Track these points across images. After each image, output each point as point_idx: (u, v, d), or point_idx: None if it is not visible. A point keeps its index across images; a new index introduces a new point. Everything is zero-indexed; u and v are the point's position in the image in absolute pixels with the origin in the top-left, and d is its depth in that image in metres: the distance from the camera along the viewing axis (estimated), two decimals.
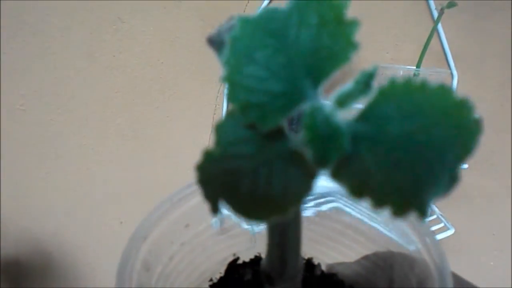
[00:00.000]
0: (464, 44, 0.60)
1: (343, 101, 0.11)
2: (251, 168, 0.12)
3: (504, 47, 0.60)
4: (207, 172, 0.12)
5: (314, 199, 0.28)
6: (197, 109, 0.68)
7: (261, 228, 0.29)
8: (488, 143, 0.64)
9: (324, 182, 0.27)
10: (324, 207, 0.28)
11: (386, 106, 0.11)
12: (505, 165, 0.65)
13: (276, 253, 0.17)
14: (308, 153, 0.11)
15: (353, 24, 0.11)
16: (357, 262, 0.25)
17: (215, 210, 0.12)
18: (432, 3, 0.57)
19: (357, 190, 0.10)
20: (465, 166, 0.51)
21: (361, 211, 0.28)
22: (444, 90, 0.11)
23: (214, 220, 0.27)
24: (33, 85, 0.67)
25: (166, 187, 0.69)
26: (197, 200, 0.25)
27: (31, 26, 0.64)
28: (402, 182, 0.10)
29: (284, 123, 0.12)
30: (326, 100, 0.12)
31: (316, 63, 0.12)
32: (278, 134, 0.12)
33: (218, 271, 0.28)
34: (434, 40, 0.59)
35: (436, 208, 0.56)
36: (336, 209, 0.27)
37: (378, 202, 0.10)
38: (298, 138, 0.12)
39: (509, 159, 0.65)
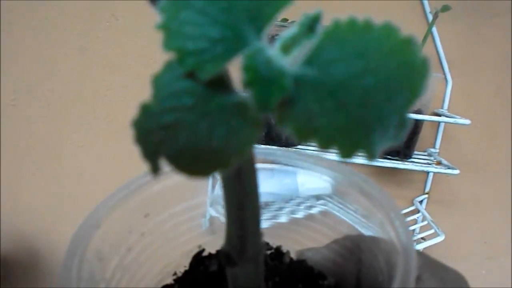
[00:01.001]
0: (459, 50, 0.61)
1: (287, 46, 0.11)
2: (190, 121, 0.11)
3: (499, 53, 0.61)
4: (144, 127, 0.11)
5: (304, 201, 0.27)
6: None
7: None
8: (480, 149, 0.64)
9: (314, 185, 0.27)
10: (314, 210, 0.27)
11: (330, 49, 0.10)
12: (498, 172, 0.65)
13: (235, 230, 0.16)
14: (250, 98, 0.10)
15: None
16: (327, 246, 0.25)
17: (155, 169, 0.11)
18: (427, 7, 0.58)
19: (301, 133, 0.10)
20: (456, 171, 0.51)
21: (351, 216, 0.28)
22: (388, 29, 0.10)
23: (203, 220, 0.26)
24: (24, 81, 0.66)
25: None
26: (157, 188, 0.24)
27: (24, 22, 0.63)
28: (347, 124, 0.10)
29: (226, 75, 0.12)
30: (269, 47, 0.11)
31: (257, 7, 0.11)
32: (219, 85, 0.11)
33: (183, 264, 0.26)
34: (429, 45, 0.59)
35: (427, 214, 0.56)
36: (326, 212, 0.26)
37: (324, 144, 0.10)
38: (242, 90, 0.11)
39: (502, 166, 0.65)
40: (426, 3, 0.58)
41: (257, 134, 0.10)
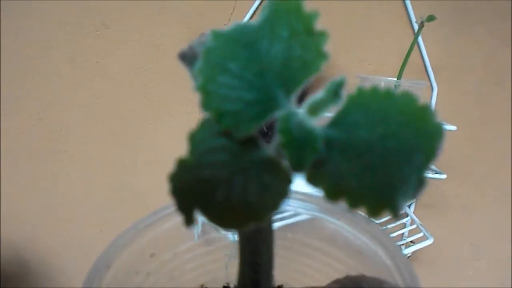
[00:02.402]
0: (444, 57, 0.62)
1: (314, 109, 0.12)
2: (226, 176, 0.12)
3: (482, 60, 0.63)
4: (181, 181, 0.12)
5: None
6: (181, 116, 0.66)
7: None
8: (466, 154, 0.66)
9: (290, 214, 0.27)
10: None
11: (355, 113, 0.12)
12: (482, 175, 0.66)
13: (248, 273, 0.17)
14: (283, 158, 0.11)
15: (323, 35, 0.12)
16: (327, 287, 0.25)
17: (189, 221, 0.12)
18: (413, 16, 0.60)
19: (332, 192, 0.11)
20: (444, 176, 0.53)
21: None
22: (408, 98, 0.11)
23: (195, 230, 0.26)
24: (12, 89, 0.65)
25: (148, 196, 0.67)
26: (163, 228, 0.24)
27: (12, 30, 0.63)
28: (374, 184, 0.11)
29: (257, 133, 0.12)
30: (299, 109, 0.12)
31: (288, 73, 0.12)
32: (252, 143, 0.12)
33: None
34: (415, 53, 0.61)
35: (416, 218, 0.57)
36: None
37: (353, 204, 0.10)
38: (272, 147, 0.12)
39: (486, 169, 0.66)
40: (411, 12, 0.61)
41: (288, 189, 0.11)
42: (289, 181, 0.11)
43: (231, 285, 0.27)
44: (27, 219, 0.71)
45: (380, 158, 0.11)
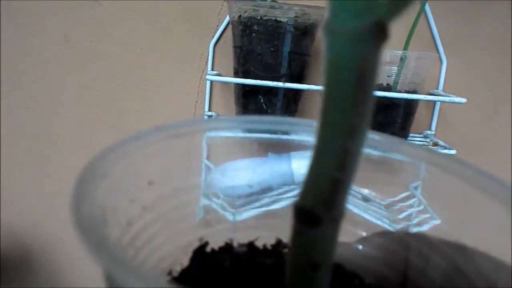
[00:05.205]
0: (454, 28, 0.59)
1: None
2: None
3: (494, 32, 0.59)
4: None
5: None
6: (179, 96, 0.64)
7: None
8: (477, 131, 0.63)
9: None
10: None
11: None
12: (495, 153, 0.64)
13: (330, 171, 0.12)
14: None
15: None
16: (363, 239, 0.21)
17: None
18: None
19: None
20: (453, 151, 0.50)
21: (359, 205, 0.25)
22: None
23: (197, 207, 0.21)
24: (8, 71, 0.63)
25: None
26: (165, 149, 0.18)
27: (5, 11, 0.60)
28: None
29: None
30: None
31: None
32: None
33: (179, 261, 0.20)
34: (423, 25, 0.57)
35: (423, 199, 0.55)
36: None
37: None
38: None
39: (499, 147, 0.63)
40: None
41: None
42: None
43: (235, 242, 0.22)
44: (27, 204, 0.69)
45: None
